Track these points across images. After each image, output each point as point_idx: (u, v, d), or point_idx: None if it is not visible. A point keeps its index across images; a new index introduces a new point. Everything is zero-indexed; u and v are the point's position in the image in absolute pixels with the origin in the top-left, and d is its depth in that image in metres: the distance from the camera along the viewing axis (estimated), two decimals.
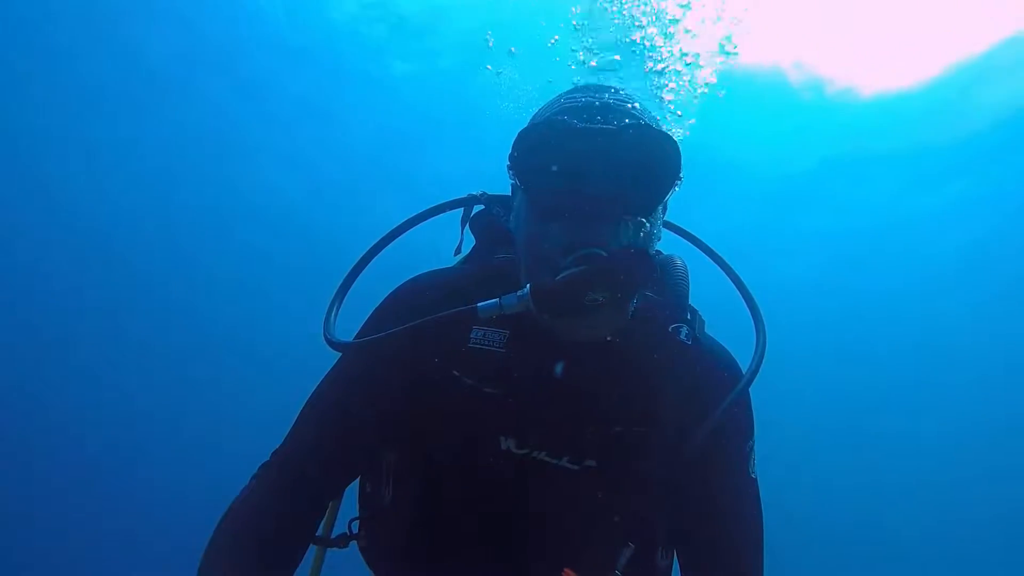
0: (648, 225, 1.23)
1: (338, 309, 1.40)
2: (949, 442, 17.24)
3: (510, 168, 1.26)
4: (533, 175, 1.23)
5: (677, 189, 1.25)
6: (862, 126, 12.04)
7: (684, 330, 1.37)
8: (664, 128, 1.28)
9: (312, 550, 1.49)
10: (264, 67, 12.27)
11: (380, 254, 1.50)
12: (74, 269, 15.10)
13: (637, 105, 1.30)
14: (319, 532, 1.47)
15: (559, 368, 1.26)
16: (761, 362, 1.32)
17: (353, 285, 1.46)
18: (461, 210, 1.56)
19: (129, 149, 13.49)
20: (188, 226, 15.00)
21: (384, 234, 1.50)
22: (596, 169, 1.18)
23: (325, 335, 1.31)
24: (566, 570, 1.12)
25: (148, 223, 14.80)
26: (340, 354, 1.38)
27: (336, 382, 1.38)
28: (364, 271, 1.48)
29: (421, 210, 1.53)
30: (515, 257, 1.34)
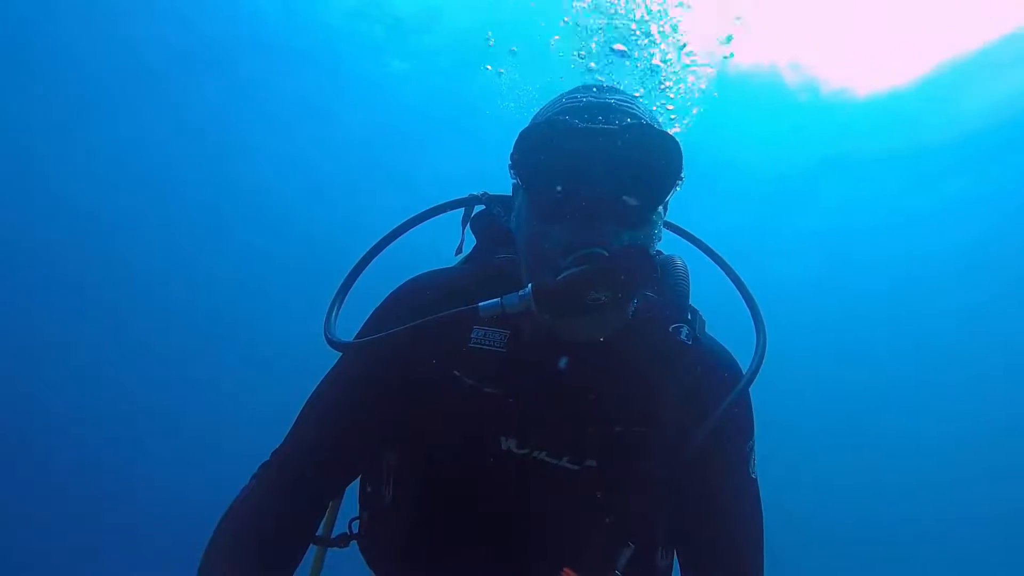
0: (649, 225, 1.23)
1: (339, 309, 1.40)
2: (948, 442, 17.25)
3: (511, 168, 1.26)
4: (534, 175, 1.23)
5: (678, 189, 1.25)
6: (858, 125, 12.05)
7: (684, 330, 1.37)
8: (665, 128, 1.28)
9: (312, 550, 1.49)
10: (262, 67, 12.27)
11: (381, 254, 1.50)
12: (74, 269, 15.10)
13: (639, 105, 1.30)
14: (319, 532, 1.47)
15: (560, 367, 1.26)
16: (761, 362, 1.32)
17: (354, 285, 1.46)
18: (462, 210, 1.56)
19: (129, 149, 13.49)
20: (187, 226, 15.01)
21: (385, 234, 1.50)
22: (597, 169, 1.18)
23: (326, 335, 1.31)
24: (566, 570, 1.13)
25: (148, 223, 14.81)
26: (340, 354, 1.38)
27: (336, 382, 1.38)
28: (365, 271, 1.49)
29: (421, 210, 1.53)
30: (516, 257, 1.34)
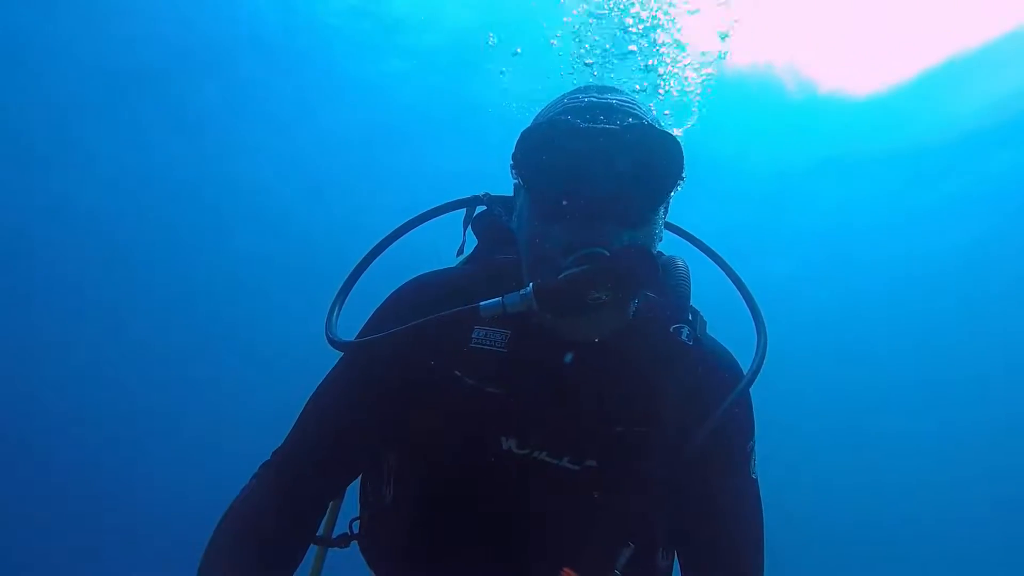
0: (650, 225, 1.23)
1: (340, 309, 1.40)
2: (948, 441, 17.25)
3: (513, 167, 1.26)
4: (536, 175, 1.23)
5: (679, 189, 1.25)
6: (855, 125, 12.04)
7: (685, 331, 1.37)
8: (666, 128, 1.28)
9: (313, 550, 1.49)
10: (260, 66, 12.26)
11: (382, 255, 1.50)
12: (73, 269, 15.11)
13: (640, 106, 1.30)
14: (320, 532, 1.47)
15: (561, 367, 1.26)
16: (762, 363, 1.33)
17: (355, 285, 1.47)
18: (462, 211, 1.57)
19: (128, 149, 13.48)
20: (187, 226, 15.01)
21: (386, 235, 1.51)
22: (599, 169, 1.18)
23: (327, 335, 1.31)
24: (566, 570, 1.13)
25: (147, 223, 14.81)
26: (341, 354, 1.39)
27: (337, 382, 1.38)
28: (366, 271, 1.49)
29: (422, 211, 1.53)
30: (517, 257, 1.34)
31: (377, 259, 1.50)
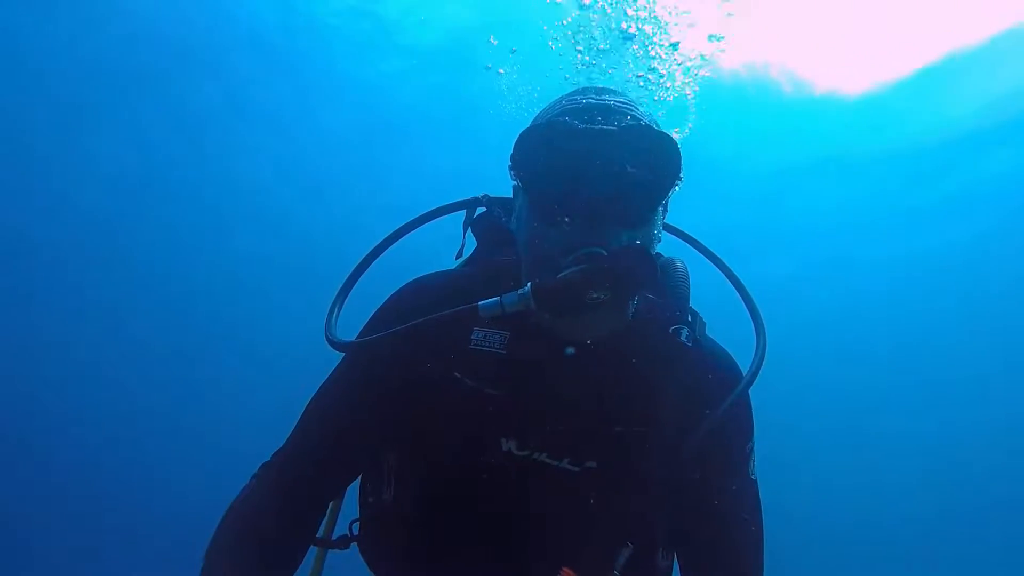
0: (649, 225, 1.23)
1: (340, 309, 1.41)
2: (948, 441, 17.25)
3: (511, 168, 1.26)
4: (534, 176, 1.23)
5: (677, 189, 1.25)
6: (851, 124, 12.03)
7: (684, 332, 1.37)
8: (664, 129, 1.28)
9: (313, 551, 1.50)
10: (258, 67, 12.26)
11: (382, 255, 1.51)
12: (73, 269, 15.11)
13: (638, 107, 1.30)
14: (319, 534, 1.48)
15: (560, 368, 1.26)
16: (761, 364, 1.33)
17: (355, 286, 1.47)
18: (461, 213, 1.57)
19: (127, 149, 13.48)
20: (187, 226, 15.01)
21: (386, 236, 1.51)
22: (597, 169, 1.18)
23: (327, 335, 1.31)
24: (565, 570, 1.13)
25: (147, 222, 14.81)
26: (341, 355, 1.39)
27: (338, 383, 1.38)
28: (366, 272, 1.49)
29: (422, 212, 1.54)
30: (517, 259, 1.34)
31: (377, 260, 1.50)
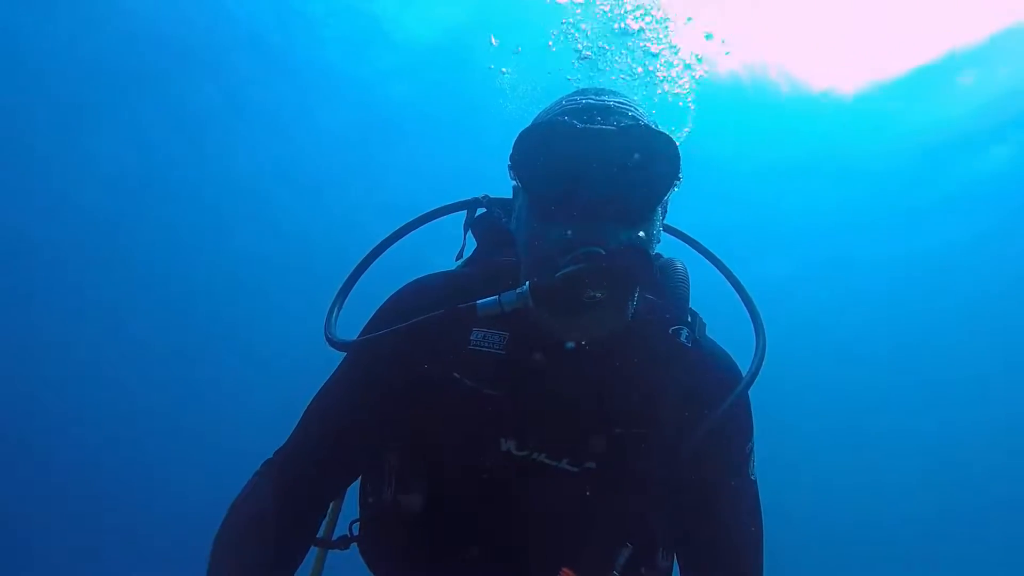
0: (648, 225, 1.24)
1: (339, 309, 1.41)
2: (947, 441, 17.25)
3: (510, 168, 1.26)
4: (533, 176, 1.24)
5: (676, 189, 1.25)
6: (847, 124, 12.02)
7: (684, 332, 1.38)
8: (663, 129, 1.29)
9: (313, 552, 1.50)
10: (255, 65, 12.25)
11: (381, 256, 1.51)
12: (73, 269, 15.10)
13: (637, 107, 1.30)
14: (320, 534, 1.48)
15: (559, 369, 1.26)
16: (761, 365, 1.33)
17: (355, 286, 1.47)
18: (460, 213, 1.57)
19: (126, 148, 13.48)
20: (186, 226, 15.00)
21: (386, 236, 1.51)
22: (596, 169, 1.18)
23: (326, 334, 1.32)
24: (565, 570, 1.13)
25: (146, 222, 14.80)
26: (341, 355, 1.39)
27: (339, 383, 1.39)
28: (366, 272, 1.49)
29: (421, 213, 1.54)
30: (516, 259, 1.35)
31: (377, 260, 1.50)
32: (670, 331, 1.37)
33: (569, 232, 1.17)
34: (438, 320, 1.21)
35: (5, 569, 13.73)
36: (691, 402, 1.30)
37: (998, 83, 10.74)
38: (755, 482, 1.41)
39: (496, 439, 1.26)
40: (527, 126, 1.28)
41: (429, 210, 1.54)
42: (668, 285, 1.44)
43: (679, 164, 1.22)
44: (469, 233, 1.58)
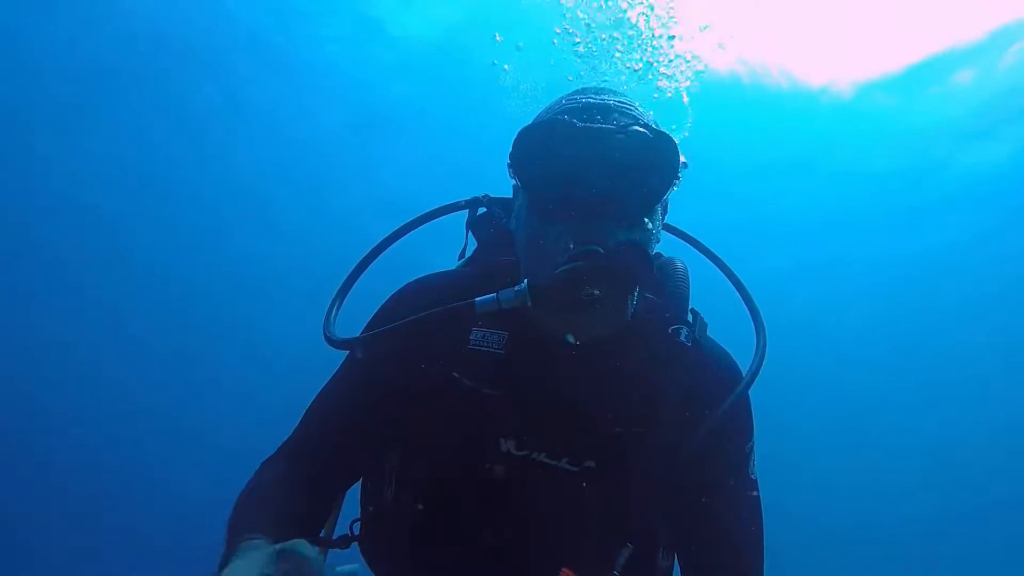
0: (647, 224, 1.24)
1: (339, 308, 1.41)
2: (948, 440, 17.24)
3: (510, 167, 1.26)
4: (533, 175, 1.24)
5: (675, 189, 1.26)
6: (842, 121, 12.00)
7: (684, 332, 1.38)
8: (663, 128, 1.29)
9: None
10: (253, 64, 12.25)
11: (382, 255, 1.51)
12: (73, 269, 15.10)
13: (637, 107, 1.30)
14: (320, 533, 1.48)
15: (559, 368, 1.26)
16: (761, 364, 1.33)
17: (354, 286, 1.47)
18: (461, 212, 1.57)
19: (126, 148, 13.48)
20: (186, 226, 15.01)
21: (386, 236, 1.51)
22: (595, 168, 1.19)
23: (325, 333, 1.32)
24: (564, 570, 1.13)
25: (146, 222, 14.80)
26: (341, 355, 1.39)
27: (340, 383, 1.39)
28: (366, 272, 1.49)
29: (421, 213, 1.54)
30: (516, 259, 1.35)
31: (377, 260, 1.50)
32: (670, 330, 1.37)
33: (568, 231, 1.17)
34: (436, 318, 1.21)
35: (5, 569, 13.73)
36: (691, 402, 1.30)
37: (996, 80, 10.72)
38: (755, 481, 1.40)
39: (496, 439, 1.26)
40: (526, 125, 1.28)
41: (429, 210, 1.54)
42: (668, 284, 1.44)
43: (678, 164, 1.23)
44: (471, 233, 1.58)
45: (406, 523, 1.32)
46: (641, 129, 1.21)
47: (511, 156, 1.25)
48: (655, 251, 1.34)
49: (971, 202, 12.76)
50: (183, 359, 16.27)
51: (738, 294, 1.48)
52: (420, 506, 1.30)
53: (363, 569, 1.52)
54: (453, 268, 1.57)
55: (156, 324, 15.86)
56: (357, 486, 1.49)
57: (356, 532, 1.49)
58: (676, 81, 2.04)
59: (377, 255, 1.50)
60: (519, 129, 1.26)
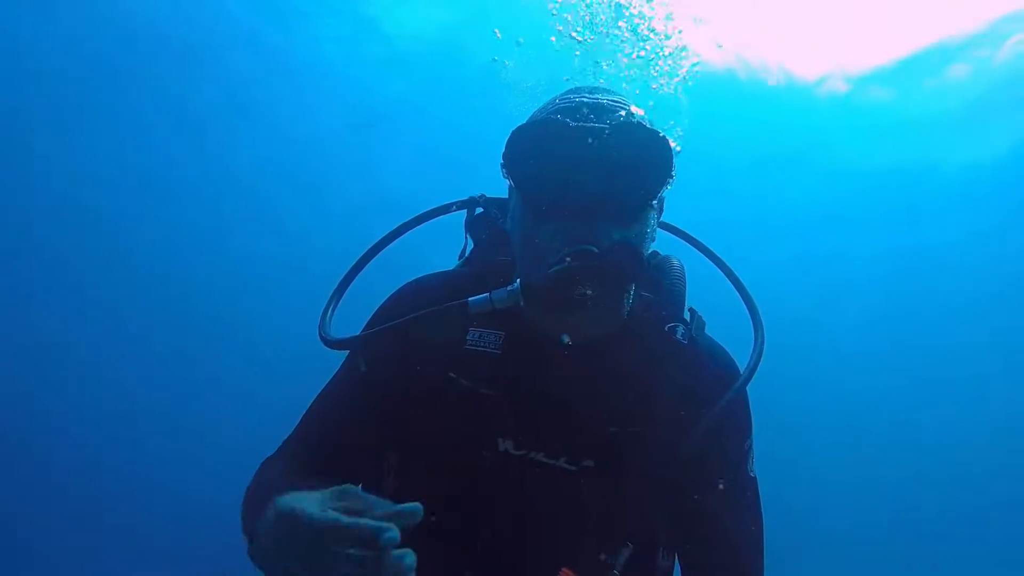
0: (641, 223, 1.23)
1: (335, 308, 1.41)
2: (948, 439, 17.23)
3: (503, 167, 1.26)
4: (526, 175, 1.24)
5: (669, 187, 1.25)
6: (838, 116, 11.98)
7: (680, 330, 1.38)
8: (656, 127, 1.29)
9: None
10: (251, 64, 12.24)
11: (380, 255, 1.51)
12: (73, 269, 15.10)
13: (631, 105, 1.30)
14: None
15: (555, 368, 1.26)
16: (759, 361, 1.33)
17: (351, 286, 1.47)
18: (457, 212, 1.57)
19: (126, 148, 13.48)
20: (187, 226, 15.01)
21: (383, 236, 1.51)
22: (588, 167, 1.19)
23: (320, 333, 1.32)
24: (564, 570, 1.13)
25: (147, 222, 14.80)
26: (342, 355, 1.39)
27: (338, 384, 1.40)
28: (365, 272, 1.49)
29: (421, 212, 1.54)
30: (512, 258, 1.35)
31: (375, 260, 1.50)
32: (666, 328, 1.37)
33: (561, 231, 1.18)
34: (430, 318, 1.21)
35: (5, 569, 13.72)
36: (688, 400, 1.30)
37: (993, 73, 10.68)
38: (755, 479, 1.40)
39: (494, 438, 1.26)
40: (519, 125, 1.28)
41: (425, 211, 1.54)
42: (665, 283, 1.44)
43: (672, 162, 1.23)
44: (468, 233, 1.58)
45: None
46: (634, 128, 1.21)
47: (504, 156, 1.25)
48: (651, 249, 1.34)
49: (968, 196, 12.73)
50: (183, 359, 16.27)
51: (736, 292, 1.48)
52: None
53: None
54: (451, 269, 1.57)
55: (155, 324, 15.86)
56: None
57: None
58: (673, 76, 2.04)
59: (373, 256, 1.50)
60: (513, 128, 1.26)
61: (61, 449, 15.71)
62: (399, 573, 0.80)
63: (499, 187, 1.48)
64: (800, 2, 10.16)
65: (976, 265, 14.11)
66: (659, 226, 1.42)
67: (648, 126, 1.26)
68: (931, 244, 13.91)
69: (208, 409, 16.65)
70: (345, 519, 0.80)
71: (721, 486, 1.34)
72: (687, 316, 1.41)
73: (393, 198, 13.57)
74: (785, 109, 11.97)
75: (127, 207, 14.36)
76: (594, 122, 1.21)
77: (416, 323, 1.23)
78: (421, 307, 1.28)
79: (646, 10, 2.17)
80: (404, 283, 1.45)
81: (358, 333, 1.36)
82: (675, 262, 1.48)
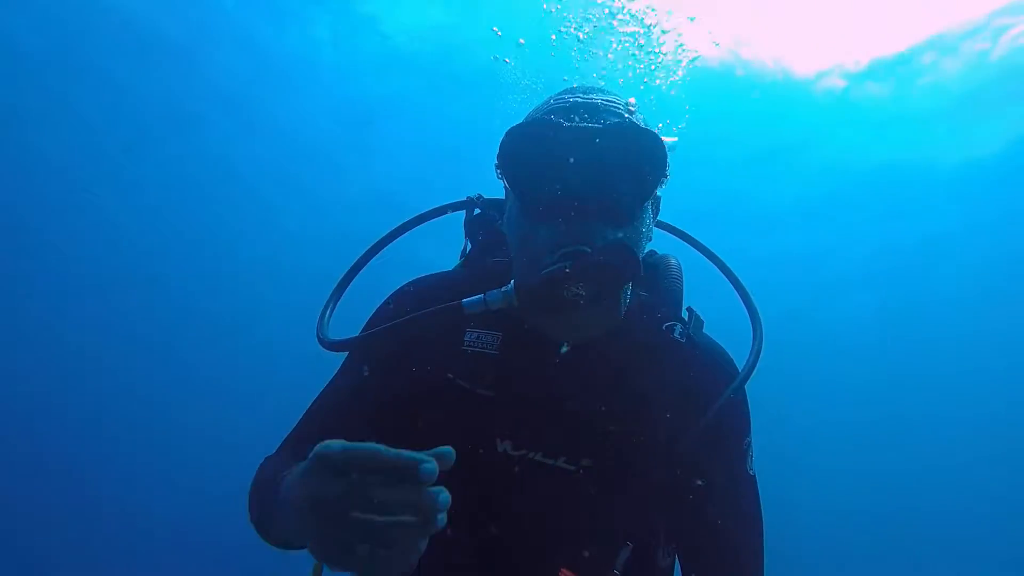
0: (636, 223, 1.23)
1: (333, 309, 1.41)
2: (948, 439, 17.25)
3: (497, 168, 1.26)
4: (520, 175, 1.24)
5: (664, 186, 1.25)
6: (833, 111, 11.97)
7: (678, 328, 1.37)
8: (651, 127, 1.28)
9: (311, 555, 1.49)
10: (253, 65, 12.23)
11: (379, 255, 1.51)
12: (74, 269, 15.09)
13: (625, 105, 1.30)
14: None
15: (553, 368, 1.26)
16: (757, 359, 1.33)
17: (349, 287, 1.47)
18: (453, 213, 1.57)
19: (123, 147, 13.46)
20: (187, 225, 14.99)
21: (381, 237, 1.51)
22: (582, 168, 1.19)
23: (318, 335, 1.32)
24: (563, 570, 1.13)
25: (147, 222, 14.79)
26: (343, 355, 1.39)
27: (337, 385, 1.39)
28: (364, 273, 1.49)
29: (417, 214, 1.54)
30: (509, 259, 1.35)
31: (374, 260, 1.50)
32: (663, 328, 1.37)
33: (556, 231, 1.18)
34: (425, 319, 1.21)
35: (5, 569, 13.72)
36: (686, 398, 1.30)
37: (989, 68, 10.68)
38: (754, 477, 1.40)
39: (492, 439, 1.26)
40: (513, 125, 1.28)
41: (423, 212, 1.54)
42: (662, 282, 1.44)
43: (665, 161, 1.23)
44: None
45: None
46: (628, 129, 1.21)
47: (498, 156, 1.25)
48: (648, 248, 1.34)
49: (965, 191, 12.73)
50: (185, 359, 16.28)
51: (735, 290, 1.48)
52: None
53: None
54: (448, 270, 1.57)
55: (150, 322, 15.86)
56: None
57: None
58: (671, 73, 2.05)
59: (371, 258, 1.50)
60: (506, 130, 1.25)
61: (61, 449, 15.72)
62: (435, 508, 0.78)
63: (498, 187, 1.49)
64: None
65: (973, 260, 14.12)
66: (657, 225, 1.42)
67: (642, 126, 1.25)
68: (928, 239, 13.91)
69: (209, 409, 16.67)
70: (384, 448, 0.78)
71: (720, 484, 1.34)
72: (685, 315, 1.41)
73: (391, 197, 13.58)
74: (782, 104, 11.95)
75: (122, 206, 14.34)
76: (588, 122, 1.21)
77: (412, 324, 1.23)
78: (419, 308, 1.28)
79: (644, 8, 2.17)
80: (402, 284, 1.45)
81: (356, 335, 1.36)
82: (672, 261, 1.48)
